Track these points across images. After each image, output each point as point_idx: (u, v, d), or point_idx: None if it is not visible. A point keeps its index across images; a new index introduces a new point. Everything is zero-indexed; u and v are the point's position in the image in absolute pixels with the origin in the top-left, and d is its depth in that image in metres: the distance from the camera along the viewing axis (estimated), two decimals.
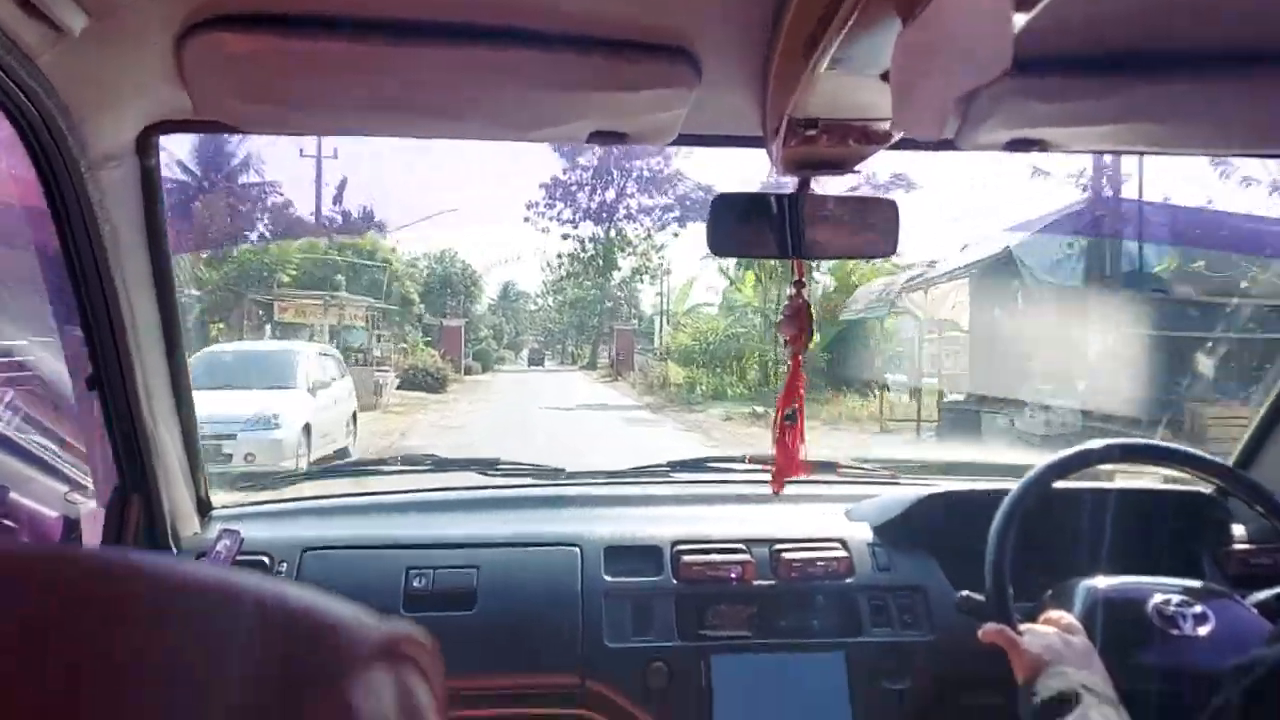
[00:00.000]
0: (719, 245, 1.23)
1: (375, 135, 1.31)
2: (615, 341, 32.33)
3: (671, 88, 1.03)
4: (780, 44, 0.93)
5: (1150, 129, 1.15)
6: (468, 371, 27.94)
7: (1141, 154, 1.44)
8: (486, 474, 1.84)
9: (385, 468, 1.84)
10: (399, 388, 18.28)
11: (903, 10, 0.68)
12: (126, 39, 0.96)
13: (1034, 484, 1.33)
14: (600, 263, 30.93)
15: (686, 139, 1.23)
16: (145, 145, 1.18)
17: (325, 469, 1.85)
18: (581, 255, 30.84)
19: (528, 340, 51.37)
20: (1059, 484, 1.36)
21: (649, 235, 30.31)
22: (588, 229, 30.29)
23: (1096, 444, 1.35)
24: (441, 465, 1.84)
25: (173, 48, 0.96)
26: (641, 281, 33.13)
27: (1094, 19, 0.93)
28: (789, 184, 1.20)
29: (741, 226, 1.23)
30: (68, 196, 1.08)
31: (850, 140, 1.06)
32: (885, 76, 0.86)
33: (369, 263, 22.42)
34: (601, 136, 1.15)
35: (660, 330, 29.98)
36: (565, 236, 30.42)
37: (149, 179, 1.22)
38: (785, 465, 1.30)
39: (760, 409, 14.55)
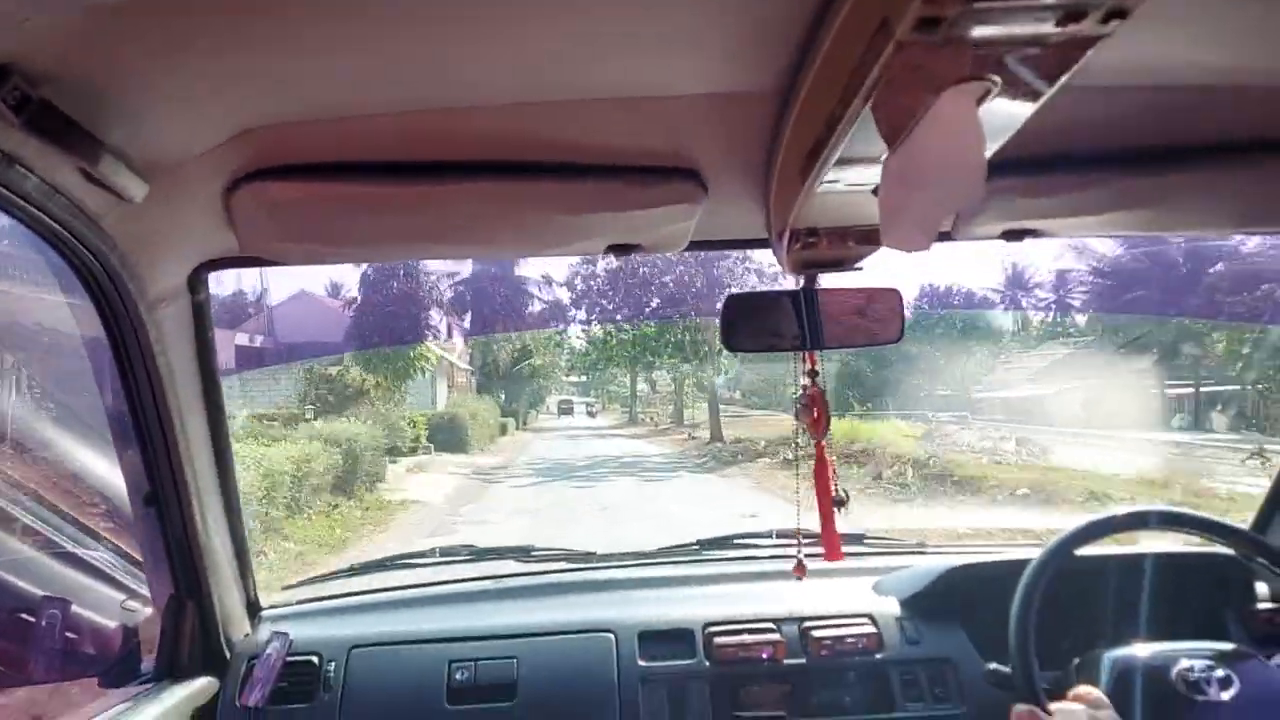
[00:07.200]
0: (734, 343, 1.30)
1: (409, 260, 1.41)
2: None
3: (681, 204, 1.11)
4: (778, 164, 1.01)
5: (1135, 215, 1.20)
6: None
7: (1127, 237, 1.49)
8: (521, 561, 1.89)
9: (424, 560, 1.89)
10: None
11: (889, 137, 0.75)
12: (180, 196, 1.05)
13: (1055, 554, 1.35)
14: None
15: (696, 245, 1.30)
16: (195, 283, 1.27)
17: (367, 564, 1.90)
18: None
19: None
20: (1081, 550, 1.38)
21: None
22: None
23: (1119, 512, 1.38)
24: (478, 555, 1.89)
25: (221, 198, 1.06)
26: None
27: (1070, 122, 0.98)
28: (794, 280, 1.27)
29: (754, 324, 1.30)
30: (127, 334, 1.17)
31: (850, 243, 1.13)
32: (876, 190, 0.93)
33: None
34: (618, 249, 1.23)
35: None
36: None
37: (200, 312, 1.31)
38: (832, 547, 1.35)
39: None
